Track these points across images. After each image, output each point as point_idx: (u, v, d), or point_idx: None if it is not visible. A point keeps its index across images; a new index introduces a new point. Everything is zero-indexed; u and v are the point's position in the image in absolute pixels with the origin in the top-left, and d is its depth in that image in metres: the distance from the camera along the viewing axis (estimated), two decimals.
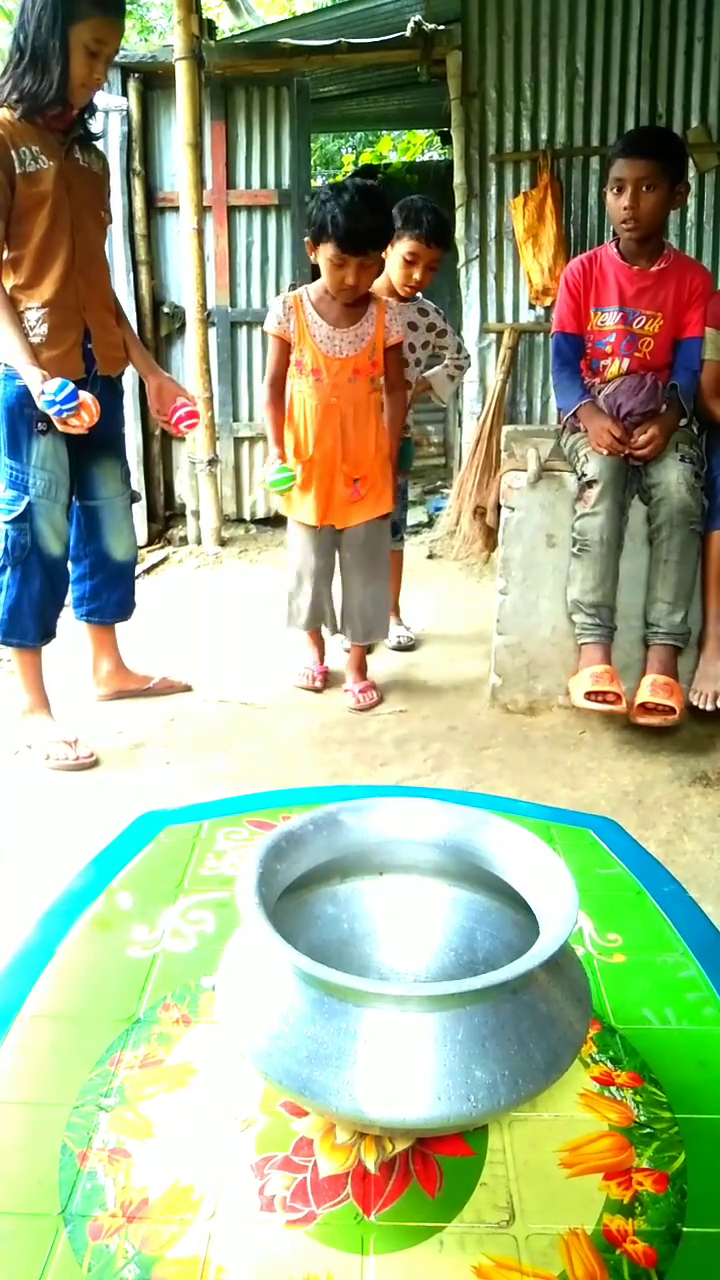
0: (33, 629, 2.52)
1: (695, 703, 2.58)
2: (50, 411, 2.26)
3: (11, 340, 2.30)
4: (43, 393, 2.23)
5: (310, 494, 2.75)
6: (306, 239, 2.63)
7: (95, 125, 2.54)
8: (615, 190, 2.60)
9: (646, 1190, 0.71)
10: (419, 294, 3.10)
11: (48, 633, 2.57)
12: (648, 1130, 0.76)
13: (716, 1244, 0.67)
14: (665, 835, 2.19)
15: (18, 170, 2.27)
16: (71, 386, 2.26)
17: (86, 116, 2.46)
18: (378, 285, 2.83)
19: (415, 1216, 0.69)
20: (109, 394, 2.59)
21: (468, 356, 3.37)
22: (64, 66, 2.24)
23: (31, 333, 2.37)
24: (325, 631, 3.03)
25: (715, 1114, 0.78)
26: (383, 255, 2.71)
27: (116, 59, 3.37)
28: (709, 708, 2.56)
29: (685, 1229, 0.68)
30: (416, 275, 2.99)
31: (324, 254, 2.55)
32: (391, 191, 2.77)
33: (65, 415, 2.26)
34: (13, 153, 2.26)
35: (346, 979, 0.67)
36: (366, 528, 2.78)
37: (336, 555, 2.85)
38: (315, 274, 2.74)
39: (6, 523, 2.44)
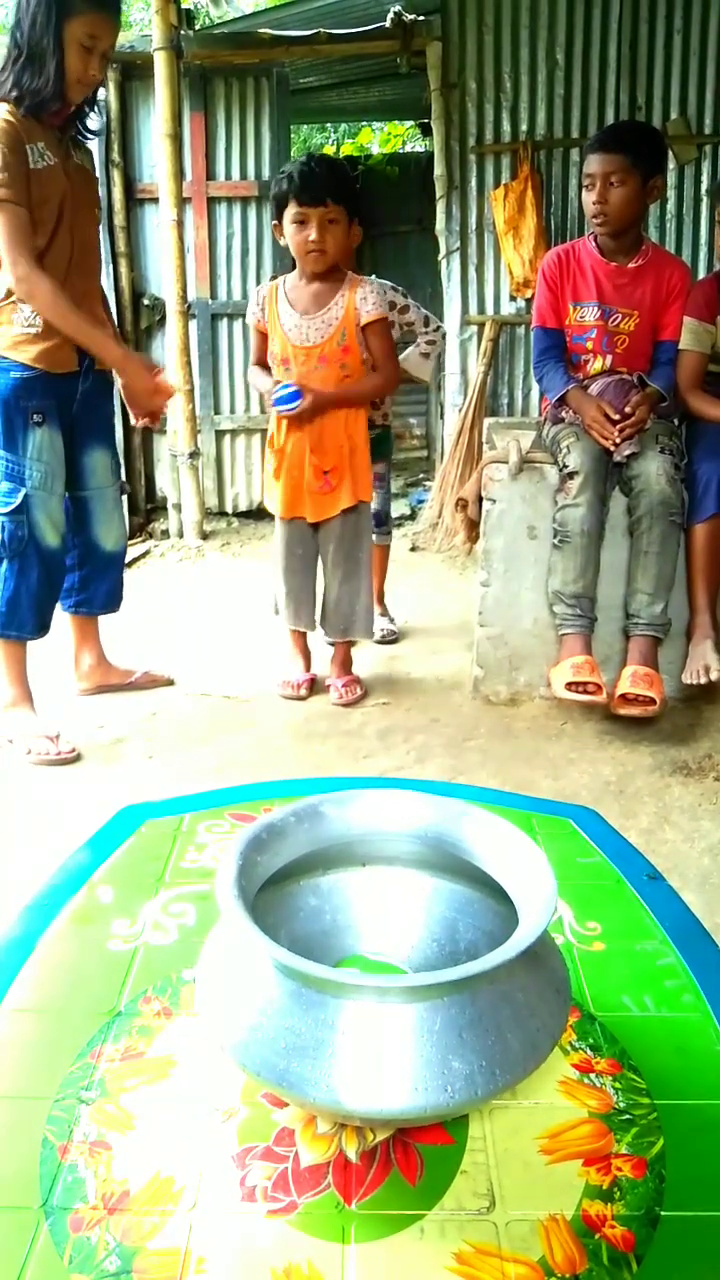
0: (30, 621, 2.52)
1: (688, 681, 2.60)
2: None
3: (93, 333, 2.39)
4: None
5: (280, 484, 2.74)
6: (274, 222, 2.63)
7: (93, 122, 2.55)
8: (587, 186, 2.62)
9: (625, 1175, 0.71)
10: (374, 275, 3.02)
11: (44, 625, 2.57)
12: (627, 1116, 0.76)
13: (694, 1227, 0.68)
14: (646, 825, 2.20)
15: (30, 166, 2.27)
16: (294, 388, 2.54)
17: (86, 114, 2.46)
18: (292, 273, 2.71)
19: (396, 1205, 0.69)
20: (102, 386, 2.61)
21: (438, 327, 3.28)
22: (59, 63, 2.25)
23: (28, 324, 2.37)
24: (311, 639, 3.01)
25: (693, 1099, 0.78)
26: (352, 224, 2.58)
27: None
28: (702, 680, 2.57)
29: (663, 1213, 0.69)
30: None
31: (288, 219, 2.54)
32: (373, 183, 2.74)
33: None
34: (27, 148, 2.26)
35: (324, 970, 0.67)
36: (342, 522, 2.75)
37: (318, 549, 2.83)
38: (294, 264, 2.71)
39: (3, 515, 2.44)
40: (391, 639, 3.39)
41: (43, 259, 2.35)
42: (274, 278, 2.81)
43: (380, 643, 3.35)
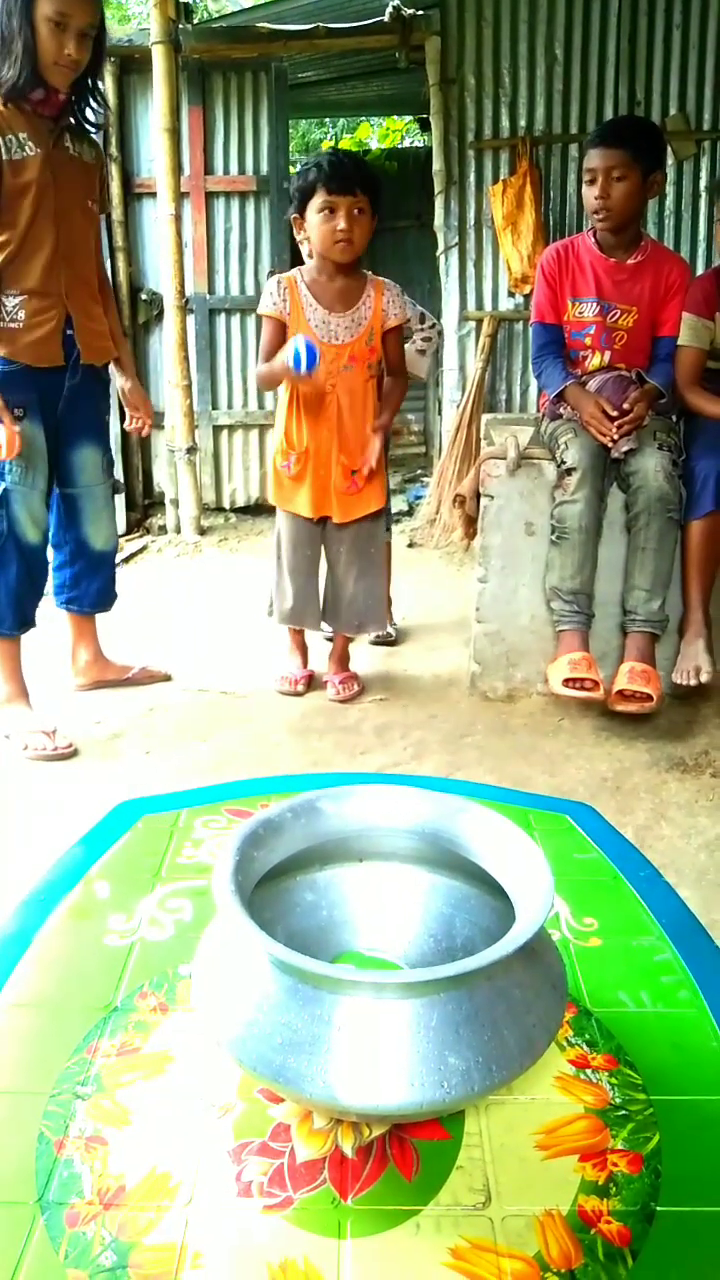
0: (9, 617, 2.51)
1: (678, 681, 2.59)
2: None
3: None
4: None
5: (305, 485, 2.71)
6: (293, 215, 2.60)
7: (94, 115, 2.50)
8: (588, 181, 2.62)
9: (621, 1171, 0.72)
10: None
11: (24, 621, 2.55)
12: (623, 1112, 0.76)
13: (689, 1223, 0.68)
14: (643, 821, 2.20)
15: (4, 157, 2.26)
16: None
17: (86, 104, 2.43)
18: (307, 268, 2.66)
19: (392, 1200, 0.69)
20: (92, 382, 2.59)
21: (434, 324, 3.26)
22: (27, 43, 2.22)
23: (9, 319, 2.36)
24: (308, 635, 3.00)
25: (689, 1095, 0.79)
26: (375, 217, 2.55)
27: None
28: (692, 682, 2.57)
29: (659, 1208, 0.69)
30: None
31: (313, 210, 2.50)
32: None
33: None
34: (5, 138, 2.24)
35: (320, 966, 0.67)
36: (357, 522, 2.75)
37: (323, 549, 2.81)
38: (294, 260, 2.70)
39: None
40: (390, 641, 3.34)
41: (21, 249, 2.33)
42: (272, 272, 2.79)
43: (376, 644, 3.31)
